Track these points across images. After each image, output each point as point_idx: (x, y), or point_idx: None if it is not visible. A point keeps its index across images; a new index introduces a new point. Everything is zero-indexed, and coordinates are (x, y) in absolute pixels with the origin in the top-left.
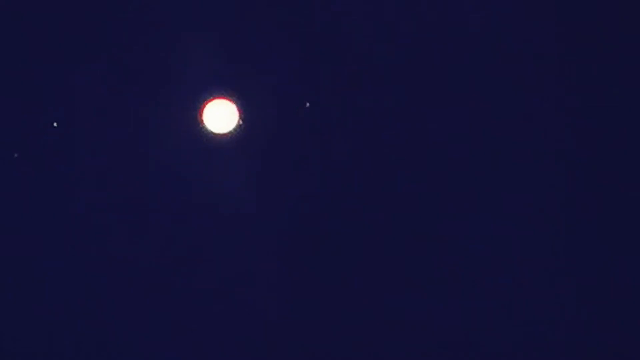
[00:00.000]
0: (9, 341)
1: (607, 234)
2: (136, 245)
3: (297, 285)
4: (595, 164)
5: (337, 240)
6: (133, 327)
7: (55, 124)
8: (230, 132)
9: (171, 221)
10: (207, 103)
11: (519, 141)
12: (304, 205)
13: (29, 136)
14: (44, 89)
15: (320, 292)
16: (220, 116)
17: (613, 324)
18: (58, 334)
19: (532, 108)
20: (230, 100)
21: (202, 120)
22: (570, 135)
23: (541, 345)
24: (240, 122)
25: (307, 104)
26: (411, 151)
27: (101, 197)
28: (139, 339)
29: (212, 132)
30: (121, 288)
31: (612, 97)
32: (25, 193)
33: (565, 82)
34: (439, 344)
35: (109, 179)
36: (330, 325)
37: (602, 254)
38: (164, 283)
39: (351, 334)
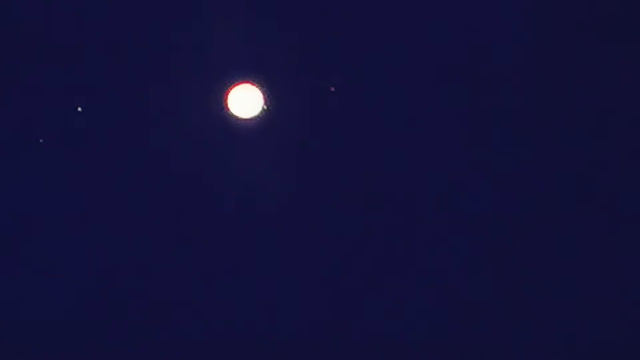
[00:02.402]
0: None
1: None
2: (160, 228)
3: (322, 269)
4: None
5: (359, 225)
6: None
7: (79, 109)
8: (254, 117)
9: (196, 205)
10: (231, 88)
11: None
12: (328, 189)
13: (54, 121)
14: (65, 76)
15: (344, 276)
16: (245, 101)
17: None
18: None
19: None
20: (254, 85)
21: (227, 105)
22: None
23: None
24: (265, 107)
25: (332, 89)
26: (436, 137)
27: (126, 181)
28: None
29: (236, 117)
30: (141, 270)
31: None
32: (54, 173)
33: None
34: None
35: (134, 164)
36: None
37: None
38: (183, 268)
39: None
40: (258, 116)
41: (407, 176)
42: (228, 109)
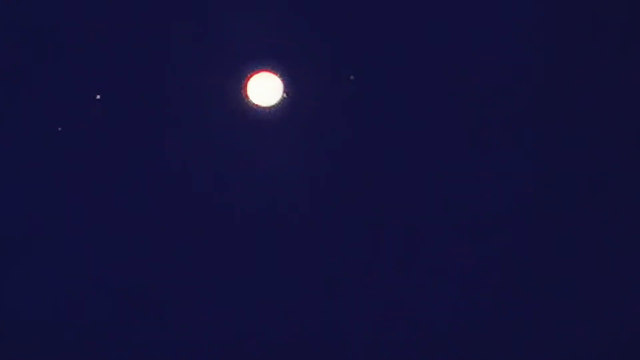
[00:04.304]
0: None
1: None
2: (179, 217)
3: (341, 257)
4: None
5: (380, 214)
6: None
7: (98, 97)
8: (274, 106)
9: (215, 194)
10: (251, 76)
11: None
12: (348, 179)
13: (71, 108)
14: (83, 64)
15: (362, 265)
16: (265, 89)
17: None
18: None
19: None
20: (274, 73)
21: (246, 94)
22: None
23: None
24: (285, 95)
25: (352, 77)
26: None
27: (146, 170)
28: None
29: (256, 106)
30: (160, 261)
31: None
32: (71, 162)
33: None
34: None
35: (153, 152)
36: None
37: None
38: (203, 257)
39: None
40: (277, 104)
41: (419, 171)
42: (247, 97)
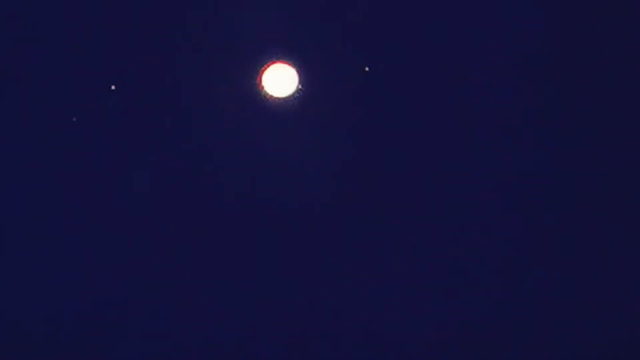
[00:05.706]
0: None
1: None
2: (194, 209)
3: (353, 248)
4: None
5: (393, 205)
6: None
7: (112, 87)
8: (289, 96)
9: (230, 185)
10: (266, 67)
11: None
12: (363, 169)
13: (87, 99)
14: (97, 55)
15: (378, 256)
16: (280, 80)
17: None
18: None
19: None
20: (289, 64)
21: (261, 85)
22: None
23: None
24: (300, 86)
25: (367, 68)
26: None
27: (160, 162)
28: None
29: (271, 96)
30: (180, 252)
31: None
32: (86, 152)
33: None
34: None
35: (168, 144)
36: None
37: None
38: (219, 249)
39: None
40: (292, 95)
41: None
42: (263, 88)
